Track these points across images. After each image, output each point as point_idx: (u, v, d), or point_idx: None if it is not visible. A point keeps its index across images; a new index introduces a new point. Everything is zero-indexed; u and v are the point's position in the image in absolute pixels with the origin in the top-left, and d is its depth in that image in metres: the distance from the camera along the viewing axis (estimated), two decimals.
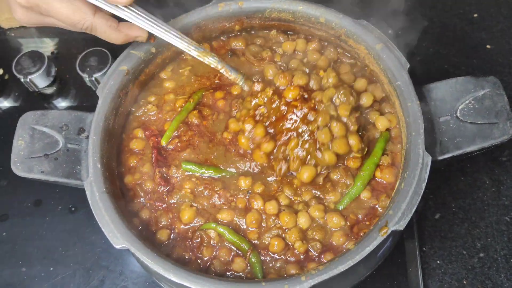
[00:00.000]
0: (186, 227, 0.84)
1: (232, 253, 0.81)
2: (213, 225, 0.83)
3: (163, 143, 0.90)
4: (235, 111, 0.91)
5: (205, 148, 0.89)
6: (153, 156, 0.88)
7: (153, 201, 0.86)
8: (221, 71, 0.90)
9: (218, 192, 0.85)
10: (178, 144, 0.89)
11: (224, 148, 0.88)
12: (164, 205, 0.85)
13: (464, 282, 0.95)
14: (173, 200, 0.85)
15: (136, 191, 0.87)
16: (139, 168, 0.88)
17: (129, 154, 0.90)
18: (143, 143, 0.90)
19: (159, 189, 0.86)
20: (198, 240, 0.82)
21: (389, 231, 0.73)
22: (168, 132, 0.90)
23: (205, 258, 0.81)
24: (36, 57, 1.15)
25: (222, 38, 1.01)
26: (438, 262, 0.97)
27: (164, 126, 0.91)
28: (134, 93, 0.94)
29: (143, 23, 0.83)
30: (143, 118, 0.93)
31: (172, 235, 0.83)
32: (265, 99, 0.86)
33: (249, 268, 0.80)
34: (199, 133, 0.90)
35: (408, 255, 0.96)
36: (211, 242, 0.82)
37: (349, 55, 0.96)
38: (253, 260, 0.79)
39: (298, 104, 0.83)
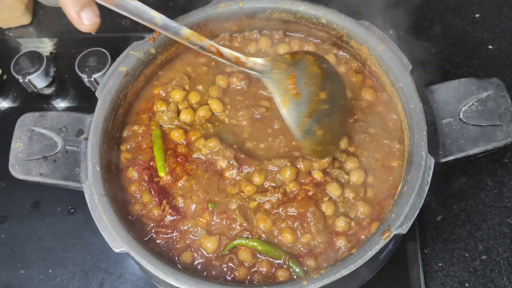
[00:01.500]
0: (211, 255, 0.81)
1: (274, 267, 0.79)
2: (244, 241, 0.80)
3: (162, 175, 0.86)
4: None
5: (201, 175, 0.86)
6: (152, 191, 0.84)
7: (163, 229, 0.83)
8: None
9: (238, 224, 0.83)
10: (169, 179, 0.86)
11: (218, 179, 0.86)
12: (176, 233, 0.83)
13: (466, 285, 0.94)
14: (184, 227, 0.83)
15: (143, 221, 0.84)
16: (140, 198, 0.85)
17: (129, 182, 0.87)
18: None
19: (166, 220, 0.83)
20: (229, 264, 0.80)
21: (392, 235, 0.72)
22: (158, 163, 0.86)
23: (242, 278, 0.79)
24: (34, 57, 1.15)
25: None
26: (440, 264, 0.97)
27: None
28: (133, 94, 0.93)
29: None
30: (132, 144, 0.90)
31: (197, 260, 0.81)
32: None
33: (294, 274, 0.78)
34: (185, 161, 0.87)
35: (410, 258, 0.96)
36: (245, 264, 0.80)
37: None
38: (292, 265, 0.78)
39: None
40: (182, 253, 0.81)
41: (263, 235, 0.81)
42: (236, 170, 0.85)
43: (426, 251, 0.98)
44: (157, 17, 0.72)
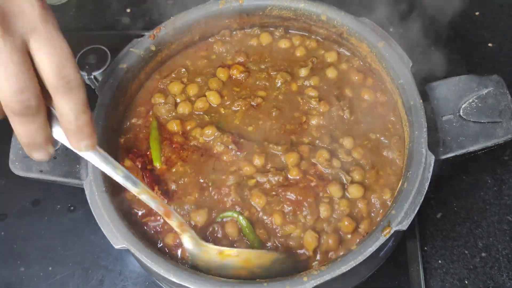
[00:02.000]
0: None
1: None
2: (235, 214, 0.80)
3: (157, 165, 0.85)
4: None
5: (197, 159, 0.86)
6: (145, 178, 0.84)
7: (151, 217, 0.82)
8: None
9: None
10: (164, 167, 0.86)
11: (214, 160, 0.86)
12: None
13: (466, 282, 0.95)
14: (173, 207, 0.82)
15: (132, 208, 0.84)
16: None
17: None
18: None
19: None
20: (213, 234, 0.80)
21: (392, 231, 0.72)
22: (153, 153, 0.86)
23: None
24: None
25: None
26: (439, 261, 0.97)
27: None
28: (133, 91, 0.93)
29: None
30: (130, 136, 0.90)
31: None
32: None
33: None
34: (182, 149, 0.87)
35: (410, 255, 0.96)
36: (229, 238, 0.80)
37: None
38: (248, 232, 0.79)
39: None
40: (167, 234, 0.80)
41: (255, 213, 0.81)
42: (234, 153, 0.85)
43: (426, 248, 0.98)
44: (120, 168, 0.70)
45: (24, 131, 0.60)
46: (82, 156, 0.68)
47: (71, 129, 0.62)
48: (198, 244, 0.77)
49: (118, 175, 0.70)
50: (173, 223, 0.76)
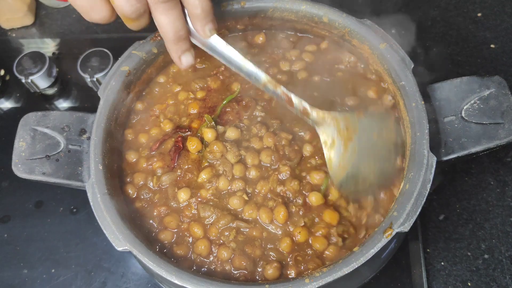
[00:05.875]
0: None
1: None
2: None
3: None
4: None
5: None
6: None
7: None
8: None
9: None
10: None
11: None
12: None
13: (469, 284, 0.94)
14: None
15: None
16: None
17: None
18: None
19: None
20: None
21: (394, 233, 0.72)
22: None
23: None
24: (37, 57, 1.15)
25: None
26: (442, 263, 0.96)
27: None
28: (135, 93, 0.93)
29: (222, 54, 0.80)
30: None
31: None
32: None
33: None
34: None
35: (412, 257, 0.96)
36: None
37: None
38: None
39: None
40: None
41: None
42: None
43: (428, 250, 0.98)
44: (244, 65, 0.80)
45: (167, 18, 0.72)
46: (209, 45, 0.79)
47: (197, 14, 0.74)
48: (328, 119, 0.81)
49: (246, 60, 0.79)
50: (297, 110, 0.81)
